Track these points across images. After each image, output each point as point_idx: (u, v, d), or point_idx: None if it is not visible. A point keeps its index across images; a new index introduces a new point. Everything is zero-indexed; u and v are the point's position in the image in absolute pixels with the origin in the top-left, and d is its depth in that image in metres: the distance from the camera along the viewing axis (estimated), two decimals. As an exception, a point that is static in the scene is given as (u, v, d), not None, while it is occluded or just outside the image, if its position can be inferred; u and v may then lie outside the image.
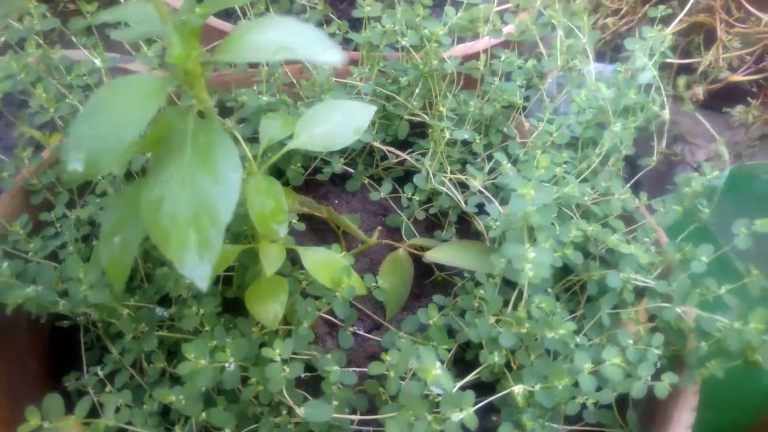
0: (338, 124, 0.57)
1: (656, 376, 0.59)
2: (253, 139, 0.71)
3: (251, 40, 0.44)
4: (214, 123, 0.47)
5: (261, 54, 0.44)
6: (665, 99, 0.75)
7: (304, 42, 0.43)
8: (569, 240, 0.61)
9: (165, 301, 0.63)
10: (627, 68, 0.79)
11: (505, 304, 0.63)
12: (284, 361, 0.54)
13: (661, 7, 0.77)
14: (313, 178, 0.82)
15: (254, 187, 0.53)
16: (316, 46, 0.43)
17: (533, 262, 0.55)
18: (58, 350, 0.68)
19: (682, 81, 0.79)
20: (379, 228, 0.77)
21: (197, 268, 0.41)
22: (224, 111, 0.79)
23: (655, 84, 0.76)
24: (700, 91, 1.04)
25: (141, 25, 0.51)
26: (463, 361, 0.67)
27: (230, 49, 0.45)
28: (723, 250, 0.64)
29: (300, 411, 0.53)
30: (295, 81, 0.82)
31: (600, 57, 1.16)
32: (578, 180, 0.72)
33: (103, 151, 0.40)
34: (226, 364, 0.54)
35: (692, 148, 1.17)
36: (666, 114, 0.73)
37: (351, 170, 0.82)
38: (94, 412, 0.54)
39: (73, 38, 0.75)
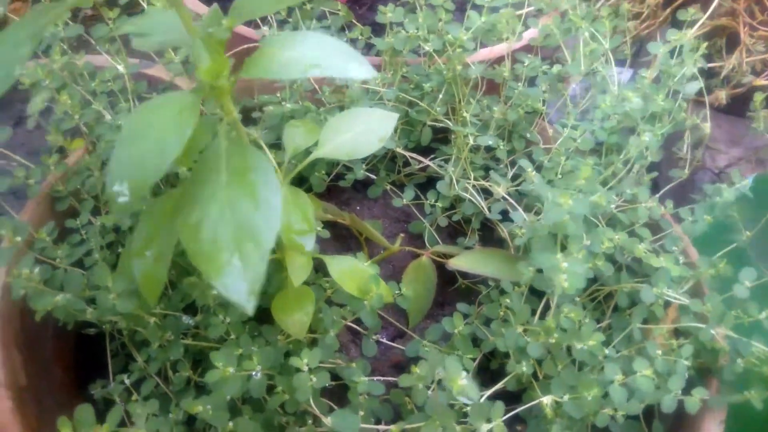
0: (362, 133, 0.57)
1: (686, 388, 0.58)
2: (275, 146, 0.71)
3: (281, 56, 0.43)
4: (247, 142, 0.46)
5: (292, 71, 0.43)
6: (707, 112, 0.74)
7: (336, 59, 0.43)
8: (601, 251, 0.60)
9: (190, 309, 0.63)
10: (651, 72, 0.78)
11: (532, 313, 0.62)
12: (311, 371, 0.54)
13: (691, 10, 0.77)
14: (335, 184, 0.82)
15: (281, 198, 0.53)
16: (347, 63, 0.43)
17: (568, 272, 0.54)
18: (83, 358, 0.68)
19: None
20: (402, 235, 0.76)
21: (242, 292, 0.40)
22: (247, 117, 0.79)
23: (682, 93, 0.75)
24: (722, 95, 1.03)
25: (163, 33, 0.51)
26: (487, 370, 0.67)
27: (260, 66, 0.44)
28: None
29: (327, 421, 0.53)
30: (317, 87, 0.82)
31: (619, 61, 1.16)
32: (604, 187, 0.71)
33: (144, 175, 0.40)
34: (253, 373, 0.54)
35: (713, 153, 1.15)
36: (707, 128, 0.72)
37: (373, 176, 0.82)
38: (120, 422, 0.54)
39: (94, 43, 0.75)
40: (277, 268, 0.62)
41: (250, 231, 0.40)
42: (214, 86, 0.44)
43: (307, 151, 0.58)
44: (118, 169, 0.40)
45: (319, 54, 0.42)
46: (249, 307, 0.39)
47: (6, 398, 0.56)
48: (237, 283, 0.39)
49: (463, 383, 0.50)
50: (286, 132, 0.57)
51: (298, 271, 0.55)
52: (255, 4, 0.43)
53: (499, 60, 0.82)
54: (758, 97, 0.70)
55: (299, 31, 0.45)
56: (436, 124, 0.79)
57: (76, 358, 0.69)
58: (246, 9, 0.44)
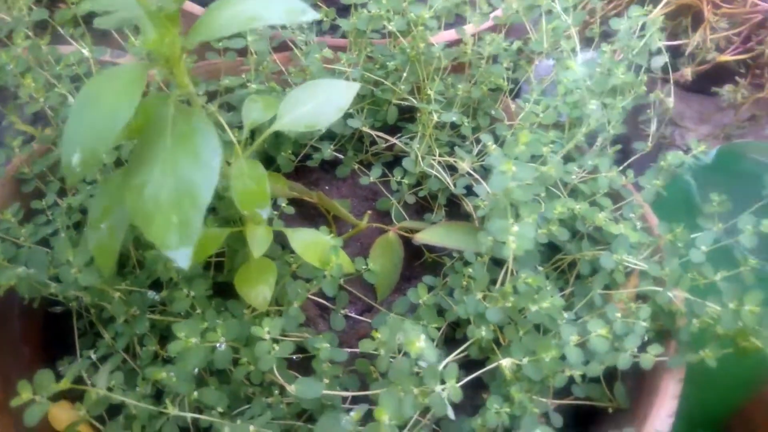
0: (321, 104, 0.58)
1: (643, 348, 0.60)
2: (241, 127, 0.72)
3: (224, 15, 0.45)
4: (195, 109, 0.47)
5: (234, 26, 0.45)
6: (671, 87, 0.76)
7: (276, 8, 0.45)
8: (555, 217, 0.62)
9: (157, 286, 0.63)
10: (614, 48, 0.80)
11: (494, 282, 0.63)
12: (274, 340, 0.55)
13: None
14: (303, 165, 0.83)
15: (237, 170, 0.54)
16: (286, 11, 0.44)
17: (516, 235, 0.55)
18: (51, 337, 0.68)
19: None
20: (369, 212, 0.77)
21: (179, 249, 0.42)
22: (214, 99, 0.79)
23: (646, 66, 0.77)
24: (688, 72, 1.04)
25: (122, 11, 0.52)
26: (454, 340, 0.68)
27: (205, 28, 0.46)
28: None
29: (291, 388, 0.54)
30: (284, 69, 0.82)
31: (588, 43, 1.17)
32: (565, 159, 0.73)
33: (96, 143, 0.41)
34: (217, 344, 0.55)
35: (682, 131, 1.17)
36: (670, 102, 0.74)
37: (341, 156, 0.83)
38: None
39: (60, 30, 0.75)
40: (240, 243, 0.63)
41: (189, 189, 0.42)
42: (164, 57, 0.45)
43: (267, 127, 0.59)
44: (71, 139, 0.41)
45: (259, 6, 0.43)
46: (184, 262, 0.40)
47: (-28, 375, 0.56)
48: (174, 239, 0.41)
49: (420, 345, 0.50)
50: (245, 107, 0.58)
51: (258, 242, 0.56)
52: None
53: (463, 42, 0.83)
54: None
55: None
56: (402, 102, 0.80)
57: (44, 337, 0.69)
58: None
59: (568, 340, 0.56)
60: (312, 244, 0.60)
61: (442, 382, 0.50)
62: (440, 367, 0.52)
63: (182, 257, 0.42)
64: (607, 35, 1.20)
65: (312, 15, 0.46)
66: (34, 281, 0.55)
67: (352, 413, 0.49)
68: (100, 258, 0.50)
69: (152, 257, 0.59)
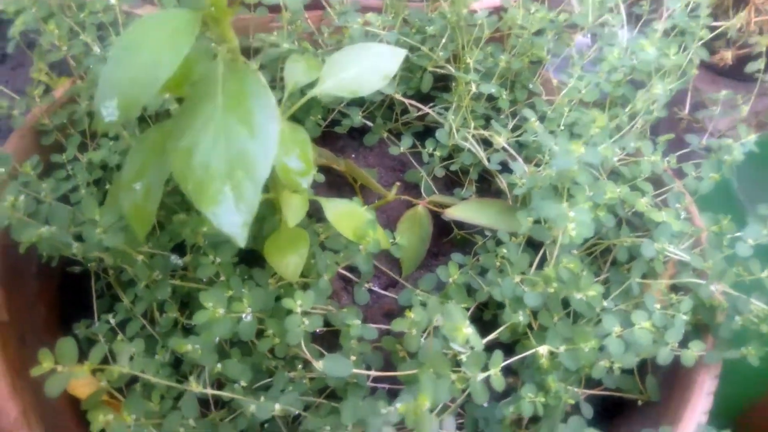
0: (366, 69, 0.54)
1: (682, 342, 0.58)
2: (270, 87, 0.68)
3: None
4: (246, 67, 0.44)
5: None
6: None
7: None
8: (604, 202, 0.59)
9: (179, 250, 0.61)
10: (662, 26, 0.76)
11: (529, 264, 0.61)
12: (304, 314, 0.53)
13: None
14: (330, 131, 0.80)
15: (279, 135, 0.51)
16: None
17: (575, 221, 0.52)
18: (67, 298, 0.66)
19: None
20: (398, 183, 0.74)
21: (233, 223, 0.39)
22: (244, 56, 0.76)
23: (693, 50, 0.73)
24: (728, 55, 1.01)
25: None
26: (480, 320, 0.66)
27: None
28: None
29: (318, 365, 0.52)
30: (315, 29, 0.79)
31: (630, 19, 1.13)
32: (610, 140, 0.70)
33: (135, 94, 0.38)
34: (243, 315, 0.53)
35: (713, 116, 1.13)
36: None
37: (370, 124, 0.79)
38: (104, 361, 0.53)
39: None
40: (270, 209, 0.60)
41: (244, 160, 0.38)
42: (214, 3, 0.42)
43: (303, 92, 0.55)
44: (107, 86, 0.38)
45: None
46: (241, 239, 0.37)
47: (-13, 332, 0.54)
48: (228, 214, 0.37)
49: (467, 331, 0.48)
50: (287, 67, 0.55)
51: (294, 211, 0.53)
52: None
53: (503, 9, 0.79)
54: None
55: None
56: (437, 70, 0.77)
57: (60, 297, 0.67)
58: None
59: (611, 330, 0.54)
60: (347, 215, 0.57)
61: (484, 369, 0.48)
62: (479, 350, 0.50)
63: (237, 232, 0.38)
64: (639, 16, 1.17)
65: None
66: (57, 240, 0.52)
67: (397, 404, 0.46)
68: (134, 220, 0.47)
69: (179, 221, 0.56)
